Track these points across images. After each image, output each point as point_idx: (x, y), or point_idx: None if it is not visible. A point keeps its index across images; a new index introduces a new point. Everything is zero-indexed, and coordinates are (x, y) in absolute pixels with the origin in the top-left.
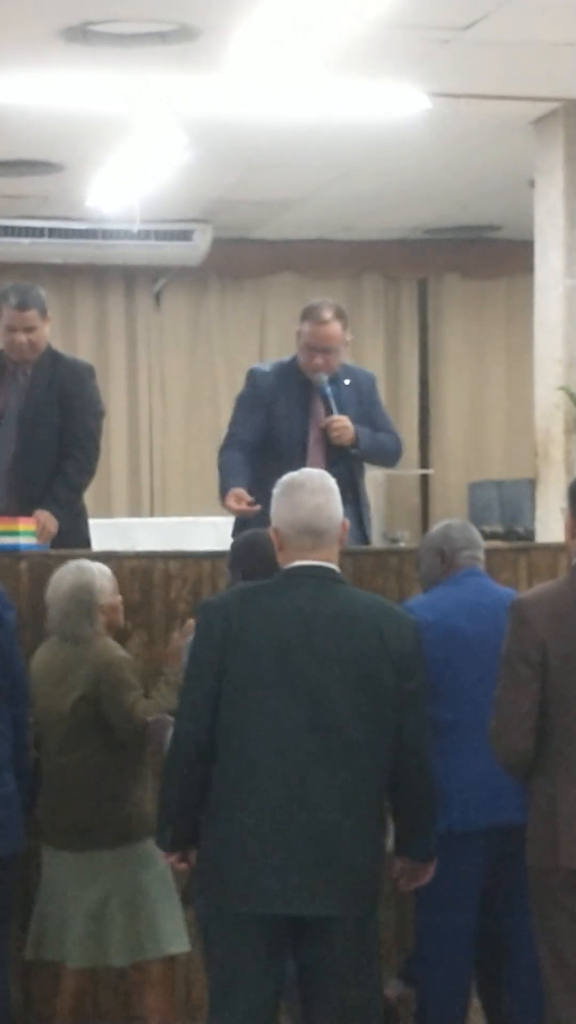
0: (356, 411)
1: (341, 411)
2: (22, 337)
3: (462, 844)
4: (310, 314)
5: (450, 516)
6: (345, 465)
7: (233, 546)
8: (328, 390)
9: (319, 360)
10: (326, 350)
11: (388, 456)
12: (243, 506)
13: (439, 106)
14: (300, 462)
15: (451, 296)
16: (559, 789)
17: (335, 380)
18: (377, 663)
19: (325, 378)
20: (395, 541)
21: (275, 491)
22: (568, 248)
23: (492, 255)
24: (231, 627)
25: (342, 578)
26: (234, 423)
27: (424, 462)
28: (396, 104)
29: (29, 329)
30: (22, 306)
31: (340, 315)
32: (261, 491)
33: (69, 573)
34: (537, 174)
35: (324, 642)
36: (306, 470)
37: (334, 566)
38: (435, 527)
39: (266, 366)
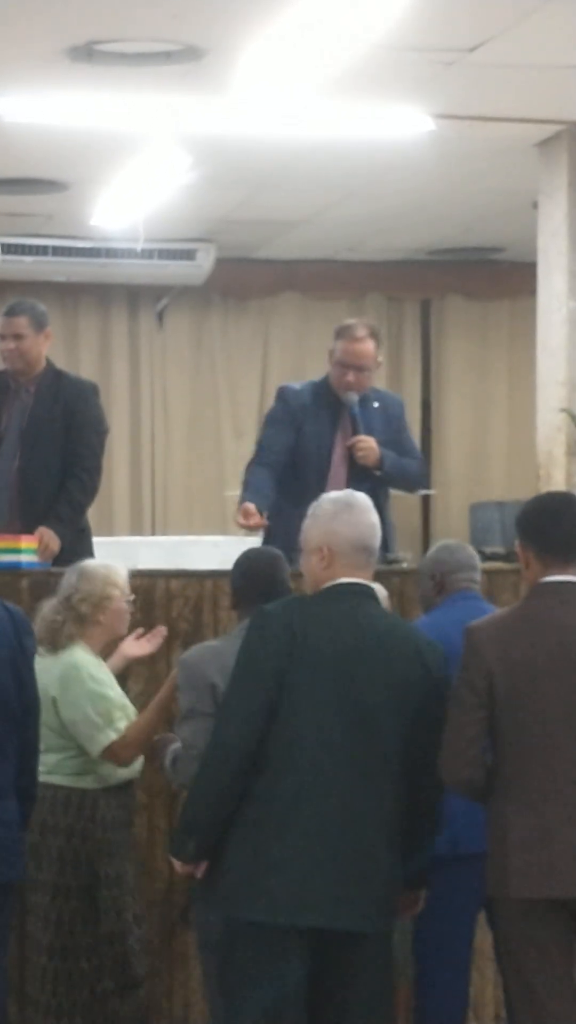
0: (383, 434)
1: (368, 433)
2: (10, 344)
3: (467, 866)
4: (344, 332)
5: (451, 537)
6: (369, 487)
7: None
8: (357, 410)
9: (351, 378)
10: (358, 368)
11: (410, 481)
12: (250, 522)
13: (443, 128)
14: (322, 480)
15: (454, 317)
16: (509, 818)
17: (365, 401)
18: (418, 684)
19: (356, 398)
20: (396, 562)
21: (326, 508)
22: (571, 271)
23: (495, 277)
24: (295, 637)
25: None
26: (263, 440)
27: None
28: (400, 126)
29: (17, 336)
30: (10, 312)
31: (374, 334)
32: (282, 508)
33: None
34: (541, 196)
35: (375, 659)
36: (350, 491)
37: (372, 586)
38: (431, 549)
39: (298, 385)
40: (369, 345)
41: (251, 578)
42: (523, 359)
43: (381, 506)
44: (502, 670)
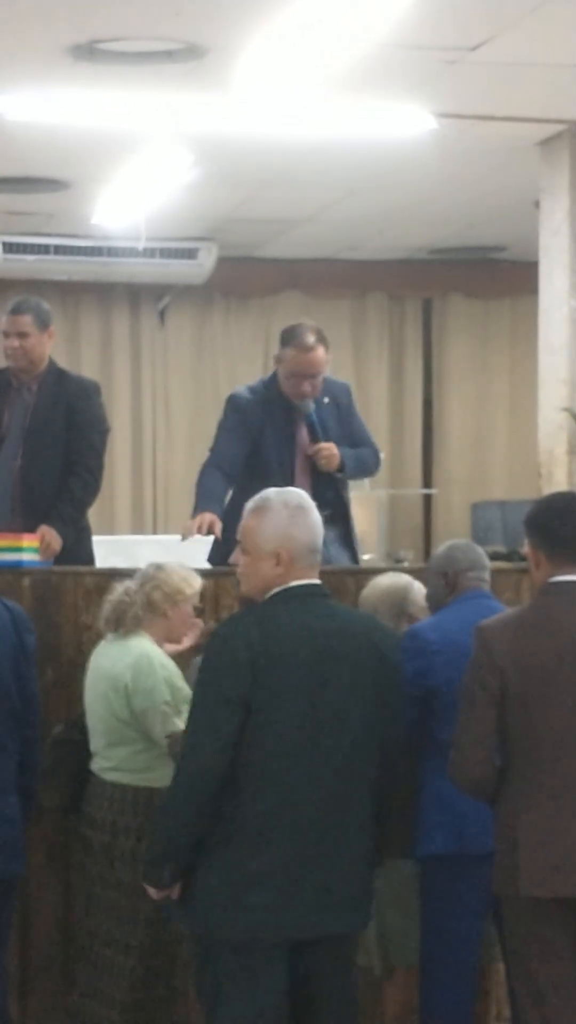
0: (337, 430)
1: (325, 433)
2: (15, 342)
3: (472, 866)
4: (293, 340)
5: (453, 536)
6: (334, 489)
7: None
8: (315, 416)
9: (306, 387)
10: (313, 376)
11: (368, 471)
12: (206, 532)
13: (445, 127)
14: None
15: (455, 316)
16: (519, 816)
17: (316, 401)
18: (379, 676)
19: (312, 404)
20: (399, 561)
21: (280, 511)
22: (573, 269)
23: (497, 276)
24: (256, 656)
25: (331, 593)
26: (218, 447)
27: (427, 482)
28: (402, 124)
29: (22, 335)
30: (15, 310)
31: (322, 338)
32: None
33: (386, 577)
34: (542, 195)
35: (336, 660)
36: (291, 489)
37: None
38: (440, 548)
39: (247, 392)
40: (320, 352)
41: None
42: (524, 358)
43: (347, 507)
44: (513, 669)
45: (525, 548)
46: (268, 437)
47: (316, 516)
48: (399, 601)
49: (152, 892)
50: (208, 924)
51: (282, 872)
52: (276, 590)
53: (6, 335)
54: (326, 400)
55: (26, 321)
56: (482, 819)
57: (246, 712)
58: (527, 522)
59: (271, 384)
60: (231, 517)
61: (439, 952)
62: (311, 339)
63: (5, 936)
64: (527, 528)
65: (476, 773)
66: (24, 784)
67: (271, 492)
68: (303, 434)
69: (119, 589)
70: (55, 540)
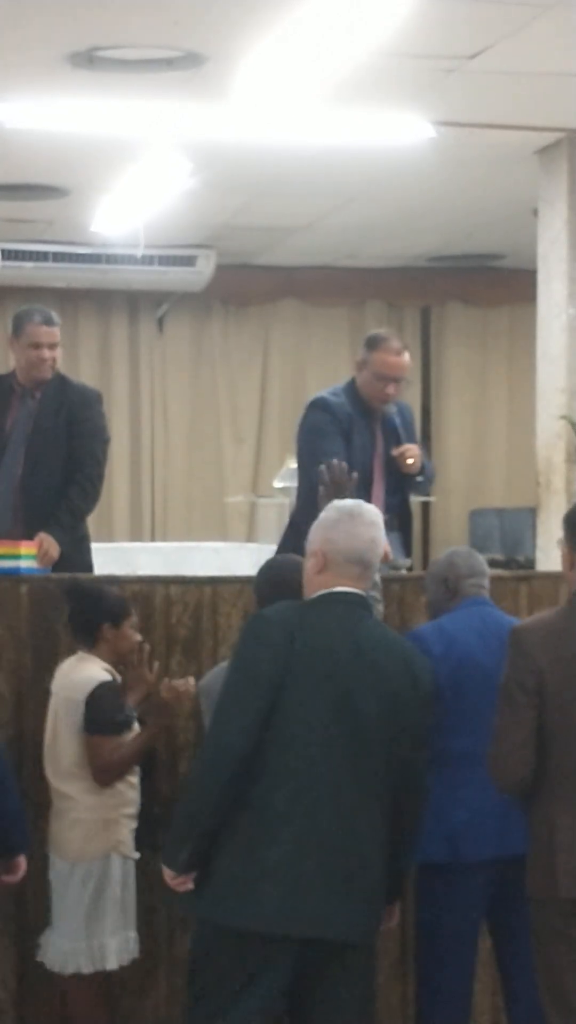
0: (408, 439)
1: (399, 440)
2: (48, 353)
3: (467, 875)
4: (380, 343)
5: (451, 544)
6: (402, 494)
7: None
8: (397, 420)
9: (392, 390)
10: (397, 379)
11: (432, 483)
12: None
13: (444, 135)
14: (367, 493)
15: (454, 324)
16: (557, 819)
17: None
18: (408, 697)
19: (395, 408)
20: (397, 568)
21: (329, 515)
22: (571, 278)
23: (495, 284)
24: (294, 642)
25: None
26: (325, 455)
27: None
28: (401, 132)
29: (53, 346)
30: (51, 322)
31: (405, 346)
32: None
33: None
34: (541, 203)
35: (368, 667)
36: (361, 502)
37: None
38: (441, 555)
39: (331, 395)
40: (407, 357)
41: (277, 586)
42: (523, 366)
43: (410, 515)
44: (551, 670)
45: (563, 549)
46: (356, 438)
47: (368, 530)
48: None
49: (168, 876)
50: (218, 912)
51: (293, 867)
52: (320, 592)
53: (37, 346)
54: (394, 410)
55: (58, 332)
56: (476, 829)
57: (274, 695)
58: (567, 521)
59: (350, 390)
60: (304, 513)
61: (433, 959)
62: (398, 344)
63: None
64: (567, 527)
65: (518, 774)
66: None
67: (341, 501)
68: (379, 438)
69: None
70: (53, 547)
